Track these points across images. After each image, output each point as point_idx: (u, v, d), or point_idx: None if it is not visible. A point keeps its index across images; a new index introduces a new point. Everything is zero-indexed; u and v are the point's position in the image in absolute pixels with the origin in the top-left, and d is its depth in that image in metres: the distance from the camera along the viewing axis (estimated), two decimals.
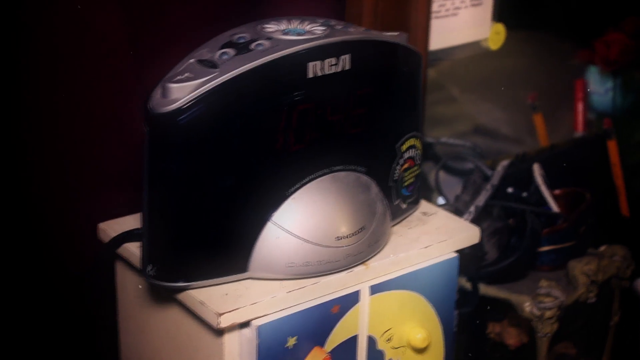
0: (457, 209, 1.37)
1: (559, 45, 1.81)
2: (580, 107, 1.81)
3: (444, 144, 1.55)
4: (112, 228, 1.10)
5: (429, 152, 1.51)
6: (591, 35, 1.79)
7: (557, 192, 1.42)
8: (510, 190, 1.40)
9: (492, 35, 1.48)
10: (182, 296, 0.99)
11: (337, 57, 0.98)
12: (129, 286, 1.10)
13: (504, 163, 1.43)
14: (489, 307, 1.30)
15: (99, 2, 1.10)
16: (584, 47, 1.80)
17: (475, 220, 1.29)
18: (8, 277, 1.12)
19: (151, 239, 0.96)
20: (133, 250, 1.06)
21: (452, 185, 1.51)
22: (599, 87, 1.83)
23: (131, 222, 1.11)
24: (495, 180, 1.37)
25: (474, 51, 1.49)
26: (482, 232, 1.29)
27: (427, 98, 1.87)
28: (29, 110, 1.09)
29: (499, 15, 1.48)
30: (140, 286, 1.08)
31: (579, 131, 1.82)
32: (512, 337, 1.35)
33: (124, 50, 1.13)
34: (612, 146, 1.64)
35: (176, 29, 1.14)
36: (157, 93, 0.93)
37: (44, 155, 1.11)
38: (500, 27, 1.49)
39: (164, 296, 1.02)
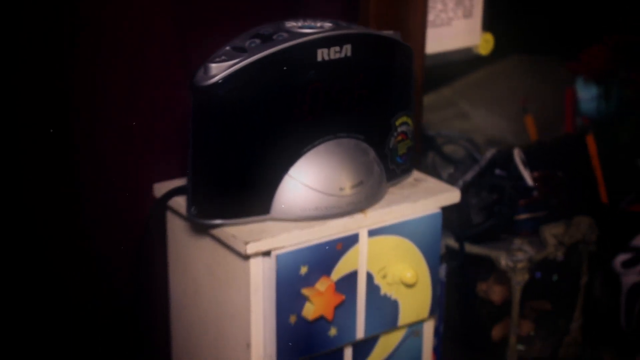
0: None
1: (548, 58, 2.07)
2: (569, 111, 2.06)
3: (443, 136, 1.81)
4: (164, 187, 1.38)
5: (430, 143, 1.78)
6: (578, 48, 2.06)
7: (535, 174, 1.67)
8: (498, 172, 1.66)
9: (482, 42, 1.75)
10: (217, 231, 1.26)
11: (341, 45, 1.25)
12: (176, 229, 1.38)
13: (492, 150, 1.69)
14: (474, 266, 1.56)
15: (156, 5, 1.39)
16: (571, 59, 2.07)
17: (462, 192, 1.54)
18: (84, 227, 1.41)
19: (194, 186, 1.24)
20: (180, 202, 1.33)
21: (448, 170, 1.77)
22: (585, 95, 2.09)
23: (177, 183, 1.39)
24: (482, 162, 1.63)
25: (466, 56, 1.76)
26: (473, 206, 1.55)
27: (442, 113, 2.14)
28: (98, 90, 1.38)
29: (488, 25, 1.75)
30: (184, 226, 1.35)
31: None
32: (496, 294, 1.61)
33: (172, 39, 1.42)
34: (590, 141, 1.89)
35: (214, 23, 1.43)
36: (200, 71, 1.20)
37: (109, 128, 1.40)
38: (489, 36, 1.76)
39: (203, 232, 1.30)
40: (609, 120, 2.09)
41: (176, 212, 1.36)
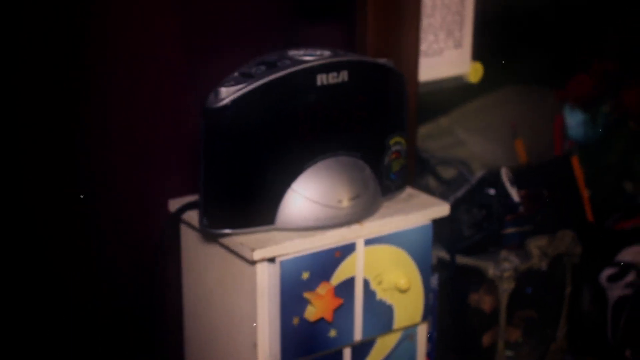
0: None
1: (538, 87, 2.21)
2: (558, 137, 2.19)
3: (437, 159, 1.93)
4: (177, 202, 1.51)
5: (425, 165, 1.91)
6: (565, 77, 2.19)
7: (522, 192, 1.80)
8: (487, 190, 1.78)
9: (472, 71, 1.89)
10: (226, 240, 1.38)
11: (338, 71, 1.38)
12: (189, 240, 1.50)
13: (482, 170, 1.81)
14: (464, 275, 1.68)
15: (163, 34, 1.53)
16: (559, 88, 2.20)
17: (453, 207, 1.67)
18: (100, 241, 1.54)
19: (206, 199, 1.37)
20: (192, 215, 1.46)
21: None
22: (573, 121, 2.22)
23: (190, 199, 1.52)
24: (473, 181, 1.76)
25: (457, 83, 1.90)
26: (464, 222, 1.67)
27: (440, 142, 2.27)
28: (120, 116, 1.51)
29: (477, 55, 1.89)
30: (197, 237, 1.47)
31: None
32: (486, 303, 1.73)
33: (184, 67, 1.55)
34: (575, 162, 2.02)
35: (223, 53, 1.56)
36: (211, 95, 1.34)
37: (129, 151, 1.53)
38: (478, 65, 1.90)
39: (214, 242, 1.42)
40: (596, 145, 2.21)
41: (189, 225, 1.49)
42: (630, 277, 2.00)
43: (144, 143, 1.55)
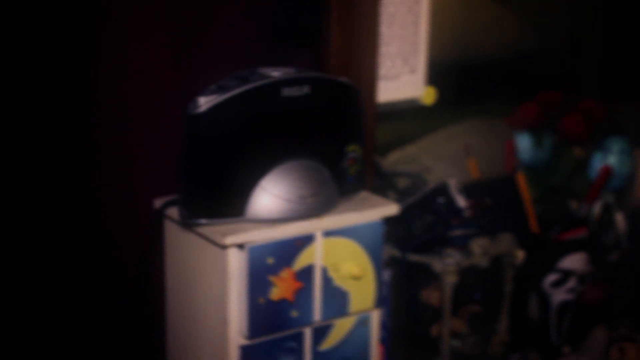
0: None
1: (494, 116, 2.46)
2: (509, 158, 2.42)
3: (396, 173, 2.16)
4: (162, 200, 1.73)
5: (385, 180, 2.13)
6: (514, 104, 2.44)
7: (470, 201, 2.02)
8: (439, 200, 2.01)
9: (426, 94, 2.12)
10: (202, 229, 1.60)
11: (300, 85, 1.62)
12: (172, 232, 1.72)
13: (435, 182, 2.04)
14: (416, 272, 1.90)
15: (153, 50, 1.77)
16: (509, 114, 2.44)
17: (406, 211, 1.90)
18: (91, 236, 1.76)
19: (185, 194, 1.59)
20: (174, 211, 1.68)
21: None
22: (522, 144, 2.45)
23: (172, 197, 1.74)
24: (426, 190, 1.98)
25: (413, 105, 2.13)
26: (417, 226, 1.89)
27: (408, 167, 2.50)
28: (108, 122, 1.74)
29: (430, 80, 2.13)
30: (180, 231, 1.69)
31: None
32: (435, 299, 1.94)
33: (170, 78, 1.79)
34: (520, 178, 2.24)
35: (204, 69, 1.80)
36: (192, 104, 1.57)
37: (116, 154, 1.76)
38: (432, 89, 2.14)
39: (192, 231, 1.64)
40: (545, 167, 2.45)
41: (171, 219, 1.71)
42: (571, 282, 2.22)
43: (132, 148, 1.77)
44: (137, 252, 1.79)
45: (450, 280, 1.86)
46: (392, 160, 2.33)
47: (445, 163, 2.56)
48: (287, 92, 1.61)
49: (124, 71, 1.74)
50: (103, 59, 1.71)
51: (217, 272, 1.62)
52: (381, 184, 2.12)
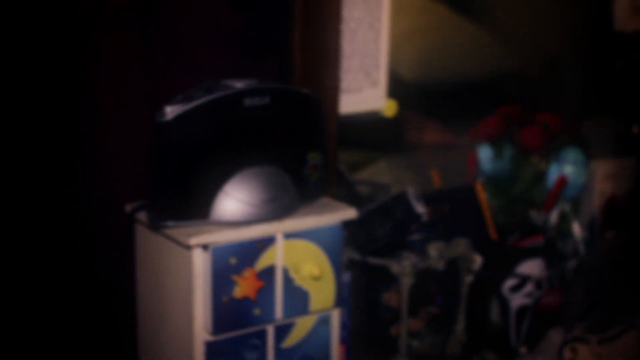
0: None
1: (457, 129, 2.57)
2: (470, 169, 2.53)
3: (362, 182, 2.26)
4: (133, 205, 1.83)
5: (348, 188, 2.23)
6: (476, 118, 2.55)
7: (429, 208, 2.12)
8: (398, 206, 2.11)
9: (387, 107, 2.23)
10: (169, 231, 1.69)
11: (261, 95, 1.72)
12: (142, 235, 1.82)
13: (395, 192, 2.14)
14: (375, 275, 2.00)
15: (129, 64, 1.87)
16: (471, 127, 2.55)
17: (366, 216, 1.99)
18: (65, 237, 1.85)
19: (153, 197, 1.68)
20: (143, 215, 1.78)
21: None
22: (484, 156, 2.56)
23: (143, 202, 1.83)
24: (386, 197, 2.08)
25: (374, 117, 2.24)
26: (378, 232, 1.99)
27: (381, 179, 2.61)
28: (85, 128, 1.84)
29: (391, 93, 2.24)
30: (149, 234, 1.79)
31: None
32: (395, 301, 2.04)
33: (142, 87, 1.89)
34: (479, 188, 2.35)
35: (175, 79, 1.90)
36: (160, 112, 1.66)
37: (90, 159, 1.85)
38: (392, 102, 2.24)
39: (159, 233, 1.73)
40: (505, 177, 2.55)
41: (141, 222, 1.80)
42: (528, 287, 2.32)
43: (106, 154, 1.87)
44: (110, 255, 1.89)
45: (407, 281, 1.96)
46: (365, 176, 2.43)
47: (413, 173, 2.66)
48: (249, 102, 1.71)
49: (100, 81, 1.84)
50: (78, 69, 1.82)
51: (183, 271, 1.71)
52: (346, 192, 2.22)
